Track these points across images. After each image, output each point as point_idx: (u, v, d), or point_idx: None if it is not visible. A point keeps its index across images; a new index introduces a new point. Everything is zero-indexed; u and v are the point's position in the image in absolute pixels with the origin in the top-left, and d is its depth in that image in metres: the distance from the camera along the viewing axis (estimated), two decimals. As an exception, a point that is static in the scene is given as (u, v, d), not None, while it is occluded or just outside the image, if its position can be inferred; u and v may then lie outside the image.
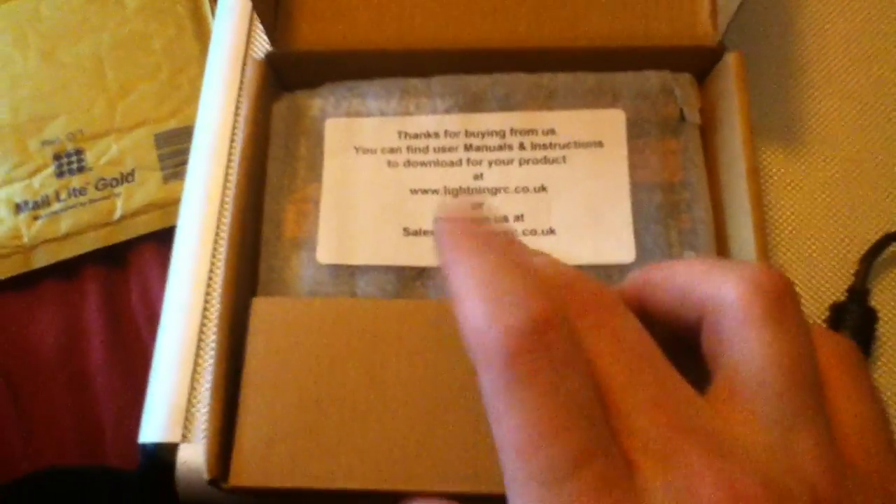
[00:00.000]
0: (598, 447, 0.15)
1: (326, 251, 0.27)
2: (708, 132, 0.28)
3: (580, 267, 0.27)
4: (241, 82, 0.32)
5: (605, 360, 0.15)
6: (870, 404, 0.17)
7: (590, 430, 0.15)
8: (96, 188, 0.44)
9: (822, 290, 0.29)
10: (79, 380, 0.41)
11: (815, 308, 0.29)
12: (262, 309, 0.26)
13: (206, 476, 0.24)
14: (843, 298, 0.29)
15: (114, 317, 0.43)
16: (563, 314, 0.15)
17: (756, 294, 0.16)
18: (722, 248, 0.27)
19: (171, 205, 0.43)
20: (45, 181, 0.44)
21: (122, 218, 0.44)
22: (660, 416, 0.15)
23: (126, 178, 0.44)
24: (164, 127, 0.45)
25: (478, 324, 0.15)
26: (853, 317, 0.27)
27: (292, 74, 0.30)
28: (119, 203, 0.44)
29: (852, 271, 0.29)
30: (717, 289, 0.17)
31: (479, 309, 0.15)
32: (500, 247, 0.16)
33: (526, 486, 0.15)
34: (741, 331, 0.16)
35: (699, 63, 0.29)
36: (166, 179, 0.45)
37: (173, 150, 0.45)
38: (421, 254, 0.27)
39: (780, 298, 0.16)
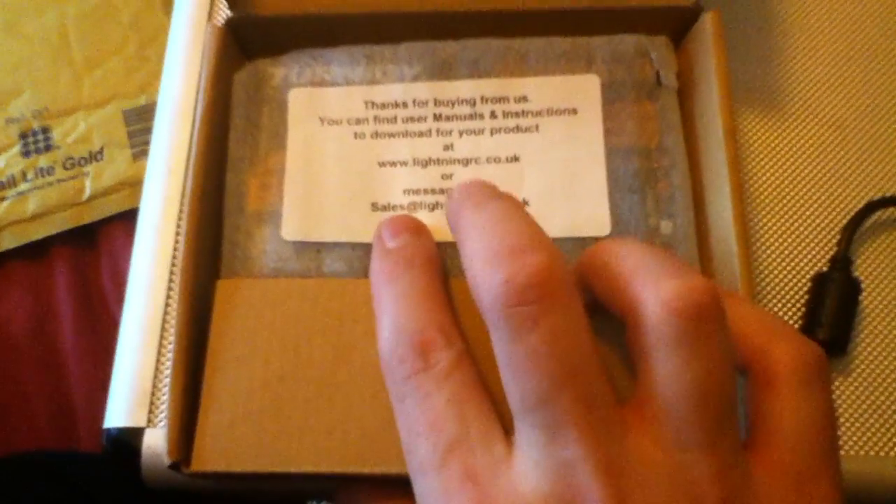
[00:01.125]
0: (466, 444, 0.17)
1: (291, 227, 0.26)
2: (685, 96, 0.27)
3: (555, 241, 0.26)
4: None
5: (530, 362, 0.16)
6: (814, 415, 0.17)
7: (459, 427, 0.17)
8: (64, 167, 0.43)
9: (804, 260, 0.28)
10: (50, 362, 0.41)
11: (797, 279, 0.28)
12: (226, 291, 0.25)
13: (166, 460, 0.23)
14: (826, 269, 0.28)
15: (84, 298, 0.42)
16: (454, 340, 0.19)
17: (671, 314, 0.16)
18: (700, 215, 0.26)
19: (141, 183, 0.42)
20: (10, 160, 0.42)
21: (92, 197, 0.42)
22: (565, 432, 0.15)
23: (95, 156, 0.43)
24: (132, 103, 0.44)
25: (383, 346, 0.20)
26: (836, 287, 0.27)
27: (255, 41, 0.29)
28: (88, 182, 0.43)
29: (836, 241, 0.28)
30: (637, 299, 0.16)
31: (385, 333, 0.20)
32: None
33: (412, 476, 0.18)
34: (655, 350, 0.16)
35: (675, 24, 0.27)
36: (136, 157, 0.43)
37: (143, 126, 0.44)
38: None
39: (698, 319, 0.15)
